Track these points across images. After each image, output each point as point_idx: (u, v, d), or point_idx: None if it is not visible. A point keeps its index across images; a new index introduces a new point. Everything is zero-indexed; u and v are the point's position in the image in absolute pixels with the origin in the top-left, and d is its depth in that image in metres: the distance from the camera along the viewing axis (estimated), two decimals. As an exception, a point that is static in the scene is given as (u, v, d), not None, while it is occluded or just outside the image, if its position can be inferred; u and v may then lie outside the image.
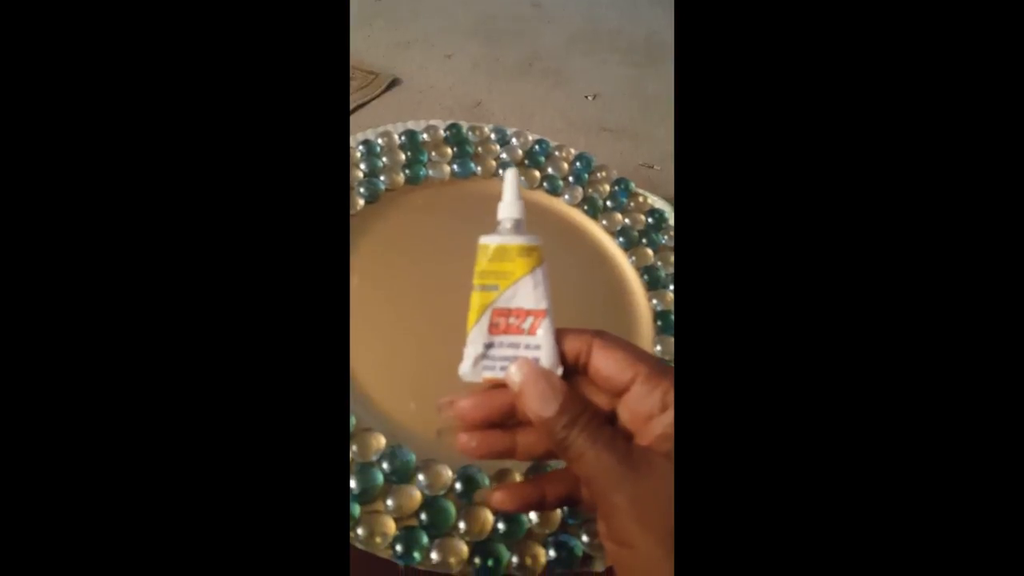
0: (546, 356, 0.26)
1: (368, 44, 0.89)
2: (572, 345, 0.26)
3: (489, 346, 0.26)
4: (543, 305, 0.26)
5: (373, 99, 0.79)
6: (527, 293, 0.26)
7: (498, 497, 0.26)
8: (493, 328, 0.26)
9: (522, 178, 0.52)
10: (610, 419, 0.25)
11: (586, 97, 0.83)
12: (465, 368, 0.27)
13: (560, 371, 0.26)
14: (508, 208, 0.28)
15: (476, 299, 0.27)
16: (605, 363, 0.25)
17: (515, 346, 0.26)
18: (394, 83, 0.82)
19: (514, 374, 0.25)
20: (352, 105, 0.80)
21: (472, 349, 0.27)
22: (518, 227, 0.28)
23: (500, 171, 0.52)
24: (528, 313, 0.26)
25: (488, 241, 0.27)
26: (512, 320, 0.26)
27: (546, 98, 0.81)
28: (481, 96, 0.82)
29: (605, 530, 0.24)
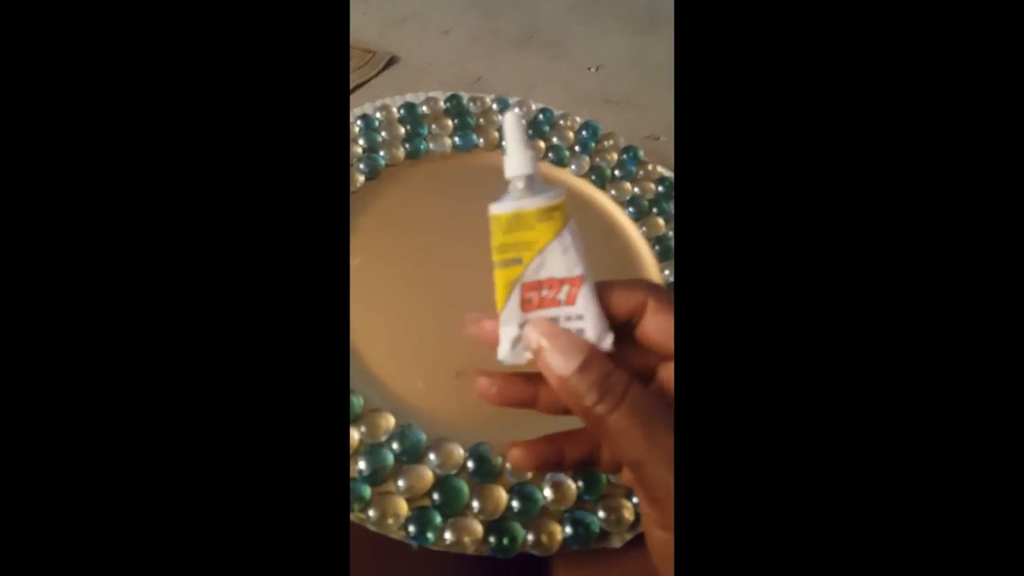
0: (592, 327, 0.23)
1: (363, 21, 0.87)
2: (623, 302, 0.23)
3: (525, 325, 0.23)
4: (577, 271, 0.23)
5: (372, 78, 0.77)
6: (556, 261, 0.23)
7: (515, 454, 0.25)
8: (526, 305, 0.23)
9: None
10: (646, 378, 0.23)
11: (588, 69, 0.80)
12: (504, 352, 0.24)
13: (610, 340, 0.23)
14: (515, 163, 0.24)
15: (500, 277, 0.24)
16: (658, 327, 0.23)
17: (555, 320, 0.23)
18: (392, 61, 0.79)
19: (530, 332, 0.23)
20: (351, 85, 0.78)
21: (508, 331, 0.24)
22: (532, 184, 0.24)
23: (503, 142, 0.50)
24: (562, 282, 0.23)
25: (500, 210, 0.24)
26: (545, 293, 0.23)
27: (547, 70, 0.79)
28: (481, 71, 0.80)
29: (641, 496, 0.23)
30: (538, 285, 0.23)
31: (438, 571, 0.31)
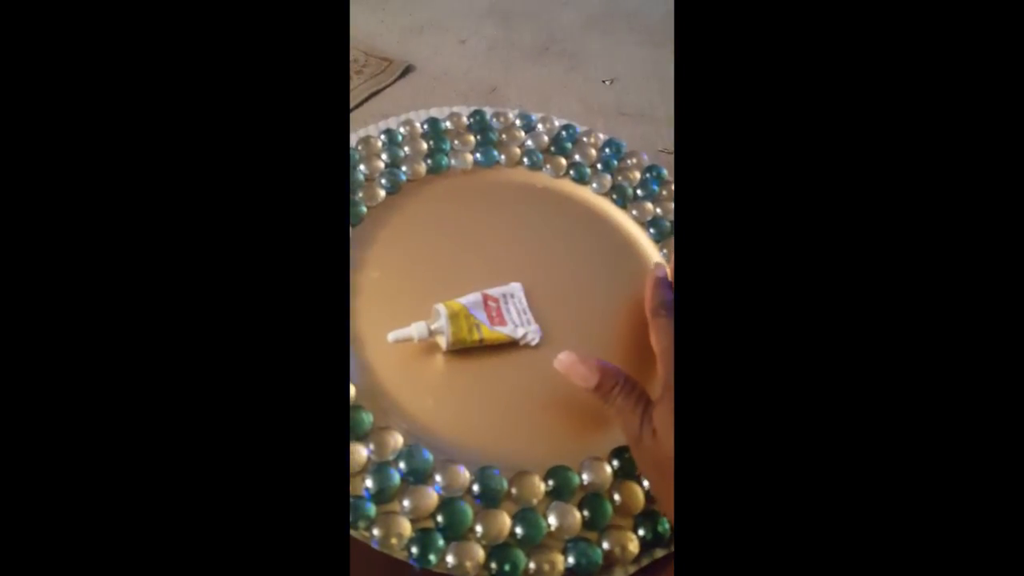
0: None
1: (381, 30, 0.88)
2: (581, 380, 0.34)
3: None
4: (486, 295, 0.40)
5: (388, 86, 0.78)
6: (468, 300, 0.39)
7: (562, 358, 0.34)
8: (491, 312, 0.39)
9: (547, 166, 0.50)
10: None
11: (603, 81, 0.80)
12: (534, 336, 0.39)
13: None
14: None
15: (483, 332, 0.39)
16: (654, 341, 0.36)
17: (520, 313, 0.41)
18: (408, 69, 0.80)
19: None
20: (367, 92, 0.79)
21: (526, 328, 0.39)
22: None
23: (525, 159, 0.50)
24: (487, 298, 0.40)
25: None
26: (491, 303, 0.40)
27: (563, 82, 0.79)
28: (497, 81, 0.80)
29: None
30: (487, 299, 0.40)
31: None
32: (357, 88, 0.84)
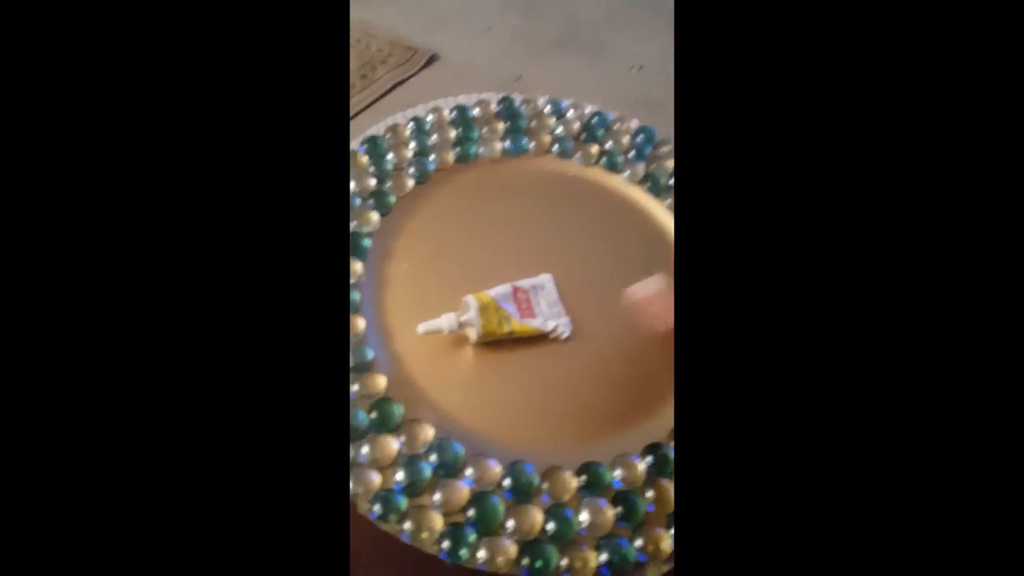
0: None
1: (404, 19, 0.87)
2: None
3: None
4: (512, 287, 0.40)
5: (412, 76, 0.78)
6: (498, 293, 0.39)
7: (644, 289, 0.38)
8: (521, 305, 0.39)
9: (578, 154, 0.49)
10: None
11: (631, 69, 0.77)
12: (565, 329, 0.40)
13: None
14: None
15: (512, 325, 0.39)
16: None
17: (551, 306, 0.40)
18: (432, 59, 0.80)
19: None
20: (391, 83, 0.79)
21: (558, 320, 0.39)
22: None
23: (554, 147, 0.49)
24: (517, 290, 0.40)
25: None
26: (521, 295, 0.40)
27: (587, 71, 0.77)
28: (521, 70, 0.79)
29: None
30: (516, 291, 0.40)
31: None
32: (381, 78, 0.83)
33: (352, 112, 0.77)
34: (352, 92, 0.78)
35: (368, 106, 0.80)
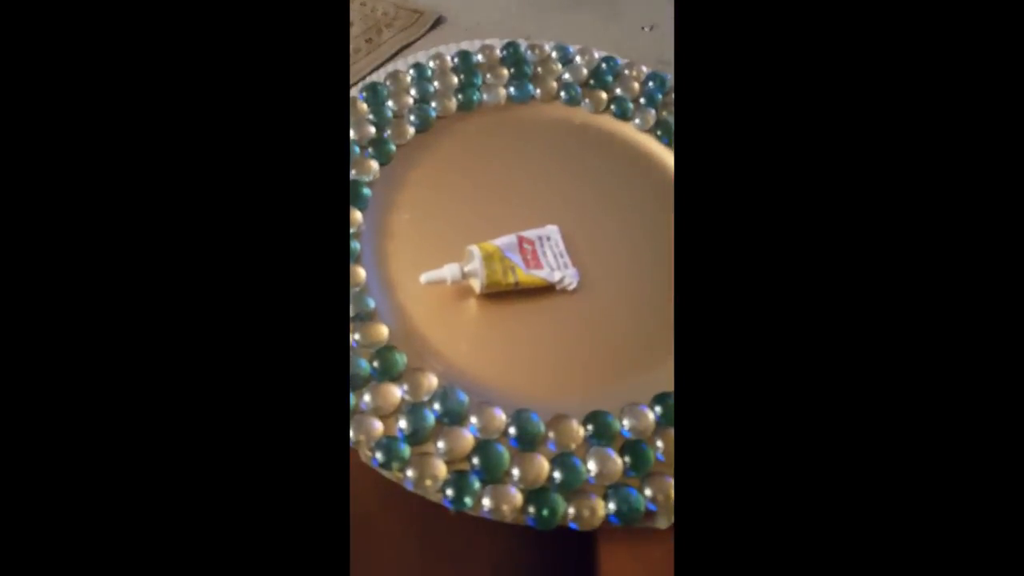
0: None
1: None
2: None
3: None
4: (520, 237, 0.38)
5: (419, 39, 0.75)
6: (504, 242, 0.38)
7: None
8: (526, 255, 0.38)
9: (586, 101, 0.47)
10: None
11: (642, 28, 0.74)
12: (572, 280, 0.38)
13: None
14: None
15: (518, 275, 0.37)
16: None
17: (557, 257, 0.39)
18: (439, 21, 0.77)
19: None
20: (398, 45, 0.77)
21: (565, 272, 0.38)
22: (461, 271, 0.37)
23: (562, 94, 0.47)
24: (522, 240, 0.38)
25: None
26: (526, 246, 0.38)
27: (599, 30, 0.74)
28: (530, 31, 0.76)
29: None
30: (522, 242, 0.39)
31: (480, 537, 0.31)
32: (387, 41, 0.81)
33: (358, 77, 0.75)
34: (357, 56, 0.76)
35: (374, 70, 0.77)
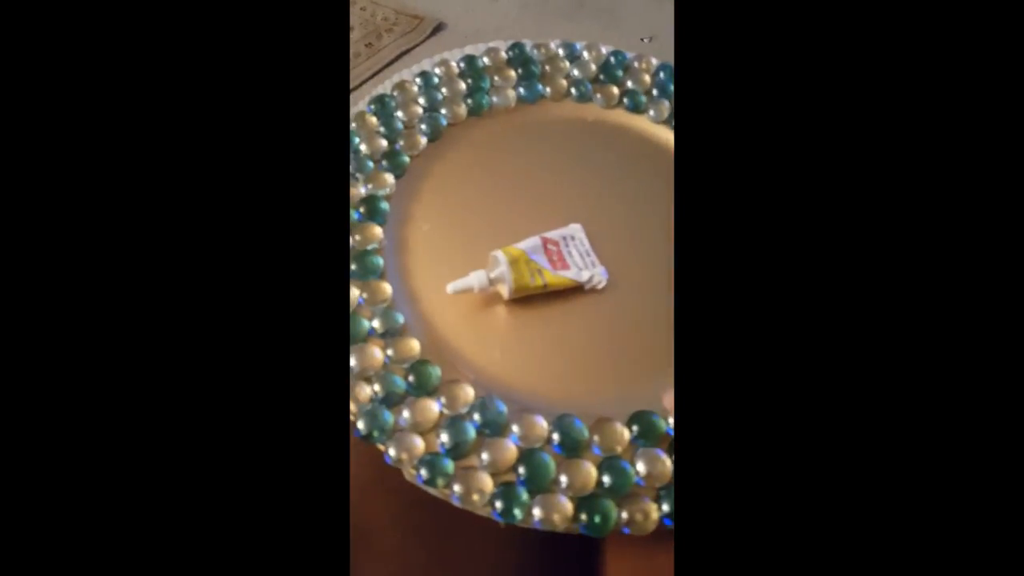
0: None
1: None
2: None
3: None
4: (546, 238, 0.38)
5: (418, 45, 0.76)
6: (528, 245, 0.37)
7: None
8: (552, 256, 0.37)
9: (598, 96, 0.46)
10: None
11: (642, 39, 0.74)
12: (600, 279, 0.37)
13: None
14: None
15: (546, 277, 0.36)
16: None
17: (584, 256, 0.38)
18: (439, 28, 0.77)
19: None
20: (397, 51, 0.77)
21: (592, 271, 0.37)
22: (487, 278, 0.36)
23: (572, 91, 0.46)
24: (547, 241, 0.38)
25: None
26: (551, 247, 0.37)
27: (598, 40, 0.75)
28: (530, 38, 0.77)
29: None
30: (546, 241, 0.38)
31: (480, 538, 0.30)
32: (387, 47, 0.81)
33: (357, 82, 0.75)
34: (357, 61, 0.76)
35: (374, 75, 0.77)
